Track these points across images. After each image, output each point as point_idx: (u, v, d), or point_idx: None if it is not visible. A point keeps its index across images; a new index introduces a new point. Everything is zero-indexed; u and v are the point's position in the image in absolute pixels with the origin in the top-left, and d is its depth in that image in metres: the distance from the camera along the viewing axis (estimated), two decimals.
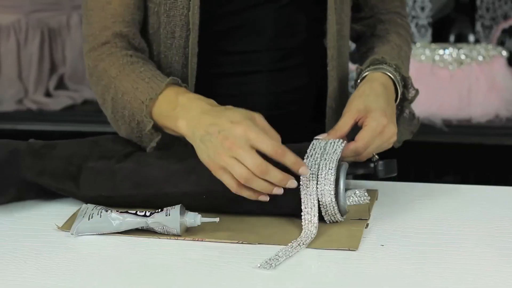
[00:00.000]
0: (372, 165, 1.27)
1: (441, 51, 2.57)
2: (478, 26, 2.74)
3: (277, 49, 1.46)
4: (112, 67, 1.38)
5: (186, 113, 1.26)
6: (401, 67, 1.41)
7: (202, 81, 1.42)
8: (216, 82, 1.46)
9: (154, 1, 1.41)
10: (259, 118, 1.21)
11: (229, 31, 1.44)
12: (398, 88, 1.39)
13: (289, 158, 1.16)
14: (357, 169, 1.27)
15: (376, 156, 1.29)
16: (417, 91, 1.44)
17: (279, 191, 1.17)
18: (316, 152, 1.23)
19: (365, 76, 1.39)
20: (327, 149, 1.23)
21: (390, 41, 1.50)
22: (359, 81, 1.40)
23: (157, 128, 1.33)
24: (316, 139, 1.27)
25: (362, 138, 1.29)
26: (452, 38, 2.76)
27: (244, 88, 1.46)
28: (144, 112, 1.31)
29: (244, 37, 1.44)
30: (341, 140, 1.25)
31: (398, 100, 1.40)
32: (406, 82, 1.42)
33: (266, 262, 1.10)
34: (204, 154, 1.21)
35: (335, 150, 1.22)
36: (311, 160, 1.21)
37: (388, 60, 1.40)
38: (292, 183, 1.17)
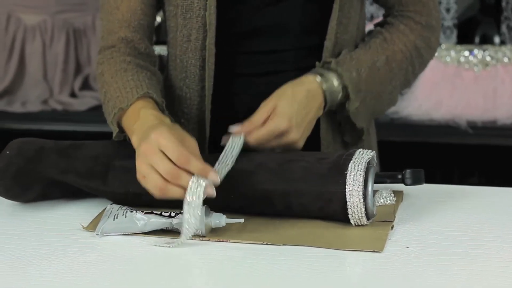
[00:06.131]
0: (399, 176, 1.26)
1: (466, 53, 2.55)
2: (504, 28, 2.72)
3: (302, 48, 1.46)
4: (108, 72, 1.41)
5: (139, 128, 1.26)
6: (343, 75, 1.40)
7: (221, 81, 1.44)
8: (235, 81, 1.47)
9: (173, 4, 1.42)
10: (187, 136, 1.21)
11: (250, 31, 1.44)
12: (327, 98, 1.40)
13: (195, 165, 1.16)
14: (384, 179, 1.26)
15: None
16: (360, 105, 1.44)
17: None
18: (232, 148, 1.27)
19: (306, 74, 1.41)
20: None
21: (371, 48, 1.47)
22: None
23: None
24: (232, 133, 1.32)
25: (255, 134, 1.32)
26: (477, 39, 2.74)
27: (268, 87, 1.45)
28: (111, 119, 1.33)
29: (270, 36, 1.44)
30: (370, 150, 1.24)
31: (326, 108, 1.41)
32: (347, 92, 1.41)
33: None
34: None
35: (363, 153, 1.22)
36: (228, 153, 1.26)
37: (338, 67, 1.40)
38: (212, 175, 1.16)
